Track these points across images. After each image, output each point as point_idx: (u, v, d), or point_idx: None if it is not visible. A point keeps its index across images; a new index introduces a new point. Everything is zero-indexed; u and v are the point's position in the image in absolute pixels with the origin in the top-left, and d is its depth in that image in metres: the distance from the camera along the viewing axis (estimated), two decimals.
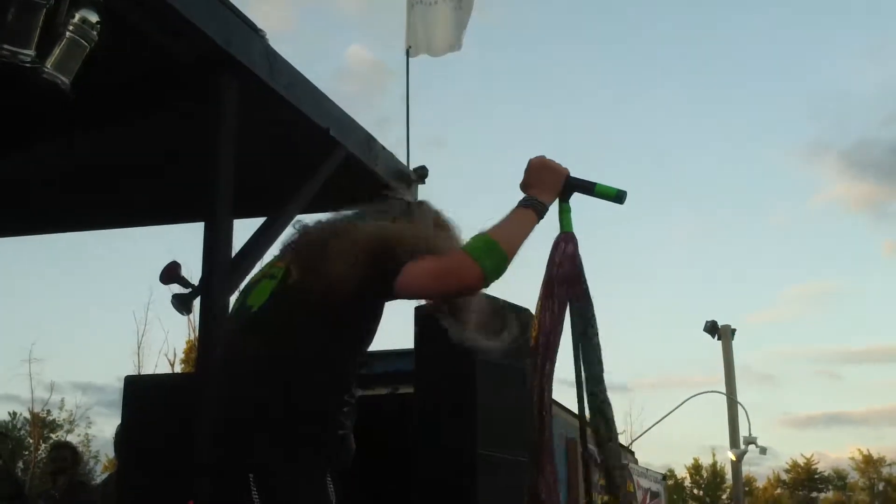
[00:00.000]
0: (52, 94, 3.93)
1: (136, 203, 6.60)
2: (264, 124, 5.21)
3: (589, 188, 2.64)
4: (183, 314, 4.97)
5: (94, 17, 3.99)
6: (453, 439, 5.31)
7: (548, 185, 2.62)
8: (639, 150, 61.04)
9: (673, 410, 20.32)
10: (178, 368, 28.61)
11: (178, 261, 4.90)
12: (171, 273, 4.91)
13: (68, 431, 35.64)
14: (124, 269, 43.73)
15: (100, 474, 31.77)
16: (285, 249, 2.81)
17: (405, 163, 6.55)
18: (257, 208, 5.63)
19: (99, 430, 37.64)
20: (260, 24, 4.94)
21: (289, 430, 2.49)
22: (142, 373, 25.66)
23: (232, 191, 4.75)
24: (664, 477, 14.56)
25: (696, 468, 51.85)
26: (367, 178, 6.11)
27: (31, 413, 35.28)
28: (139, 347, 30.13)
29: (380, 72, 52.18)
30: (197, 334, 4.95)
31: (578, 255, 2.59)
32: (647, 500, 12.17)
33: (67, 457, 7.93)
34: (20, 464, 34.31)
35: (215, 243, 4.65)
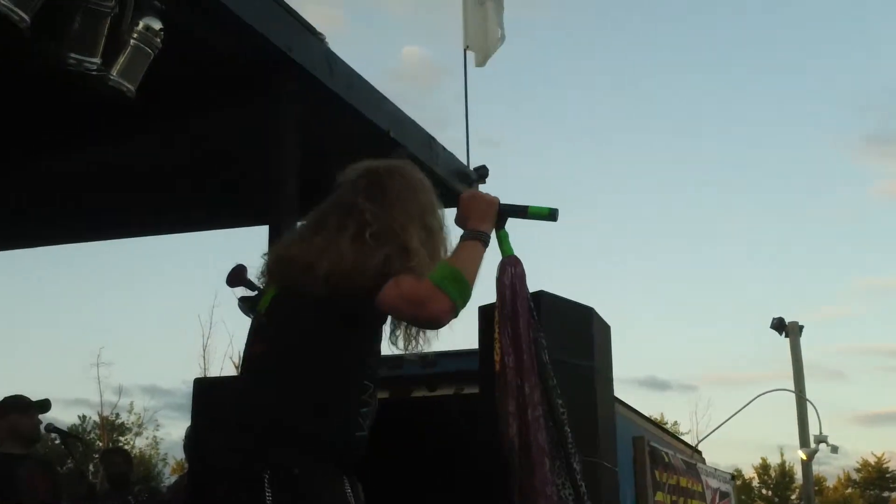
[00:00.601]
0: (117, 101, 4.00)
1: (201, 207, 6.67)
2: (325, 126, 5.24)
3: (522, 211, 2.76)
4: (250, 316, 5.00)
5: (157, 25, 4.05)
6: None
7: (483, 215, 2.72)
8: (694, 143, 60.34)
9: (740, 409, 20.03)
10: None
11: (244, 264, 4.94)
12: (237, 276, 4.93)
13: (137, 434, 36.21)
14: (189, 273, 44.27)
15: (168, 476, 32.23)
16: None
17: (465, 162, 6.54)
18: None
19: (167, 433, 38.14)
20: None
21: (301, 432, 2.51)
22: (207, 376, 25.94)
23: (296, 193, 4.78)
24: (732, 477, 14.37)
25: (763, 468, 51.14)
26: (428, 179, 6.11)
27: (101, 416, 35.86)
28: (205, 350, 30.48)
29: (432, 72, 52.19)
30: None
31: (524, 273, 2.70)
32: (717, 500, 12.02)
33: (120, 462, 8.00)
34: (90, 466, 34.93)
35: None
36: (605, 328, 5.97)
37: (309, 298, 2.56)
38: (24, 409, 5.55)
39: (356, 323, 2.60)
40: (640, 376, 56.24)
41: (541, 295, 5.39)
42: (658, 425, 15.78)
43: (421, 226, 2.70)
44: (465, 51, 7.68)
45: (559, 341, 5.40)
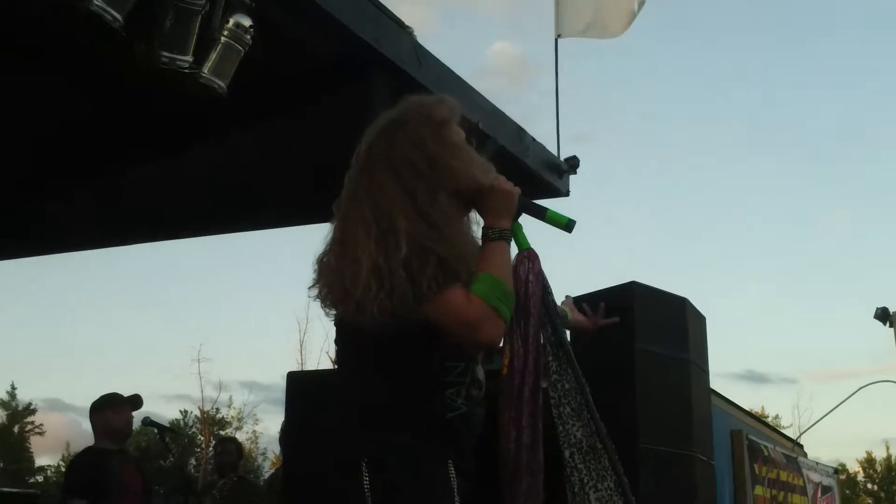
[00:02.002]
0: (208, 98, 4.05)
1: (292, 203, 6.72)
2: None
3: (540, 213, 2.63)
4: None
5: (247, 22, 4.10)
6: (613, 433, 5.21)
7: (502, 211, 2.58)
8: (799, 135, 59.06)
9: (843, 402, 19.50)
10: None
11: None
12: None
13: (237, 429, 36.90)
14: (286, 268, 44.87)
15: (268, 470, 32.75)
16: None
17: (555, 153, 6.49)
18: None
19: (266, 428, 38.83)
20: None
21: (387, 419, 2.48)
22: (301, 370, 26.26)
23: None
24: (836, 471, 14.02)
25: (868, 462, 49.90)
26: (518, 170, 6.08)
27: (202, 411, 36.65)
28: (301, 346, 30.95)
29: (525, 67, 51.94)
30: None
31: (542, 270, 2.56)
32: (819, 495, 11.74)
33: (232, 450, 8.17)
34: (192, 460, 35.69)
35: None
36: (700, 319, 5.87)
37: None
38: (116, 406, 5.70)
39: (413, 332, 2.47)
40: (737, 370, 55.33)
41: (633, 286, 5.33)
42: (757, 418, 15.47)
43: (421, 204, 2.47)
44: (556, 39, 7.60)
45: (652, 333, 5.33)
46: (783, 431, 22.16)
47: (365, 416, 2.52)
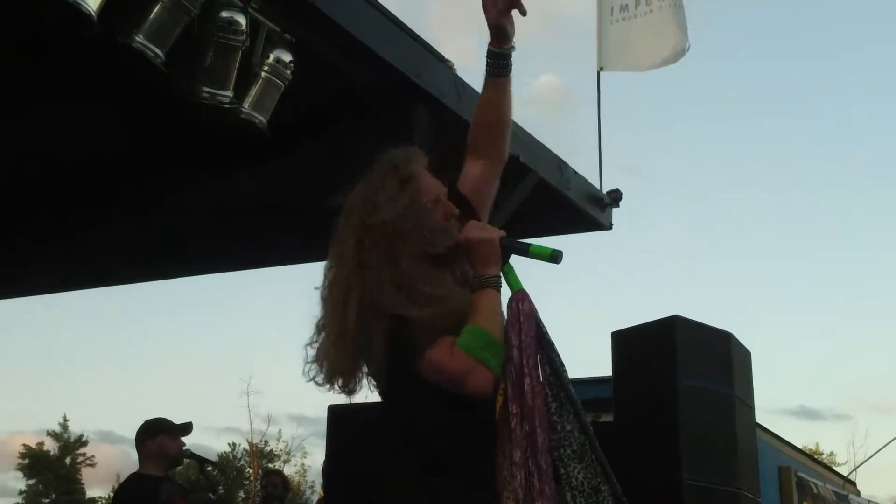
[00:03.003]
0: (249, 133, 4.10)
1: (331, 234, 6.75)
2: (455, 152, 5.24)
3: (524, 250, 2.54)
4: None
5: (287, 57, 4.15)
6: (657, 467, 5.16)
7: (487, 258, 2.53)
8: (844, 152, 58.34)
9: None
10: None
11: None
12: None
13: (285, 462, 36.89)
14: None
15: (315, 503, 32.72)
16: None
17: (598, 186, 6.46)
18: None
19: (314, 461, 38.74)
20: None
21: (443, 468, 2.48)
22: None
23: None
24: None
25: None
26: (560, 203, 6.07)
27: (250, 444, 36.75)
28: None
29: (570, 99, 51.95)
30: None
31: (535, 310, 2.48)
32: None
33: (278, 483, 8.17)
34: (241, 493, 35.77)
35: None
36: (745, 354, 5.80)
37: None
38: (171, 432, 5.69)
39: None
40: (790, 406, 54.47)
41: (675, 320, 5.28)
42: (807, 455, 15.21)
43: (396, 272, 2.49)
44: (598, 72, 7.60)
45: (695, 367, 5.28)
46: (837, 469, 21.76)
47: (421, 460, 2.52)
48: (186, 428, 5.84)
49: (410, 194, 2.58)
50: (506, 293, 2.55)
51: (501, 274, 2.55)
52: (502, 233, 2.57)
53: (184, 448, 5.74)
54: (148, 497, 5.42)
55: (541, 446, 2.33)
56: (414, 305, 2.40)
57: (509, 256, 2.55)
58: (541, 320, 2.47)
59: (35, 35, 4.31)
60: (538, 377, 2.38)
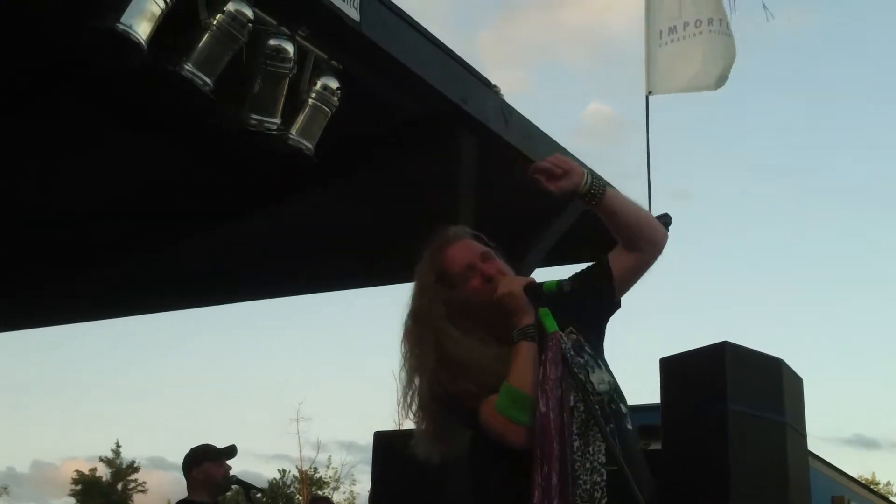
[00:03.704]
0: (296, 160, 4.12)
1: (380, 261, 6.78)
2: (502, 177, 5.25)
3: (538, 289, 2.65)
4: None
5: (334, 84, 4.18)
6: (706, 496, 5.08)
7: (516, 310, 2.65)
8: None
9: None
10: None
11: None
12: None
13: (335, 489, 36.90)
14: (383, 326, 45.13)
15: None
16: None
17: (647, 206, 6.42)
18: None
19: (363, 488, 38.74)
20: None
21: None
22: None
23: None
24: None
25: None
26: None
27: (300, 471, 36.83)
28: (398, 406, 30.92)
29: (620, 126, 51.77)
30: None
31: (561, 350, 2.56)
32: None
33: None
34: None
35: None
36: (797, 380, 5.71)
37: None
38: (215, 458, 5.71)
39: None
40: (845, 435, 53.51)
41: (724, 346, 5.23)
42: (863, 484, 14.93)
43: (442, 351, 2.70)
44: (647, 96, 7.58)
45: (745, 394, 5.21)
46: (894, 499, 21.30)
47: None
48: (231, 451, 5.86)
49: (439, 272, 2.79)
50: None
51: (537, 317, 2.63)
52: (526, 281, 2.69)
53: (230, 473, 5.77)
54: None
55: (554, 488, 2.41)
56: (466, 375, 2.63)
57: (541, 300, 2.63)
58: (569, 357, 2.57)
59: (82, 67, 4.40)
60: (560, 419, 2.47)
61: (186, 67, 3.57)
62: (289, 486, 38.71)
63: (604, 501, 2.49)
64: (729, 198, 55.92)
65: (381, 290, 7.54)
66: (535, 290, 2.65)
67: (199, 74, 3.61)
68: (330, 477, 37.72)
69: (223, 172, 5.56)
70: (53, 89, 4.69)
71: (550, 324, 2.61)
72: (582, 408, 2.54)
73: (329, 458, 37.73)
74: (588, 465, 2.51)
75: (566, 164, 2.74)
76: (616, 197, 2.77)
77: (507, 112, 5.09)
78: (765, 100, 56.60)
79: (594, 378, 2.70)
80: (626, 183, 6.26)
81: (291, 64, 3.93)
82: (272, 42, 3.86)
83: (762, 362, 5.42)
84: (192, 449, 5.79)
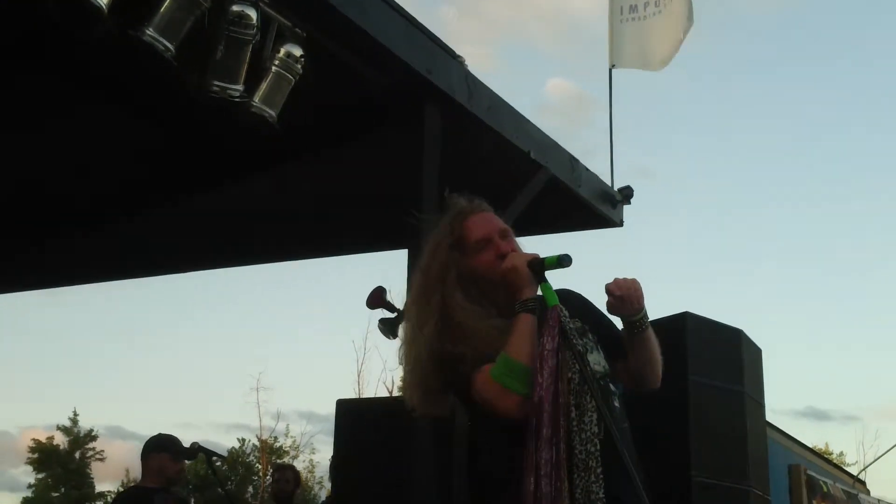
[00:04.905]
0: (259, 128, 4.09)
1: (343, 231, 6.76)
2: (466, 149, 5.24)
3: (541, 266, 2.73)
4: (389, 338, 5.05)
5: (297, 52, 4.14)
6: (667, 465, 5.14)
7: (517, 284, 2.73)
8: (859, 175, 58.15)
9: None
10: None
11: (384, 286, 4.99)
12: (376, 298, 5.01)
13: (294, 458, 36.91)
14: (342, 297, 45.07)
15: (324, 500, 32.79)
16: None
17: (610, 184, 6.45)
18: None
19: (323, 458, 38.77)
20: None
21: (494, 492, 2.74)
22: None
23: (435, 215, 4.79)
24: None
25: None
26: (571, 200, 6.06)
27: (260, 440, 36.81)
28: (359, 376, 30.93)
29: (582, 103, 51.67)
30: None
31: (559, 322, 2.64)
32: None
33: (290, 479, 8.12)
34: (249, 489, 35.84)
35: None
36: (756, 351, 5.78)
37: None
38: (175, 455, 5.75)
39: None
40: (798, 407, 54.29)
41: (685, 316, 5.27)
42: (817, 454, 15.18)
43: (446, 309, 2.80)
44: (609, 69, 7.59)
45: (706, 364, 5.26)
46: (848, 469, 21.72)
47: (479, 486, 2.85)
48: (192, 454, 5.89)
49: (457, 238, 2.90)
50: None
51: (541, 290, 2.72)
52: (530, 256, 2.75)
53: (184, 470, 5.78)
54: None
55: (546, 459, 2.47)
56: (466, 338, 2.70)
57: (543, 274, 2.71)
58: (568, 330, 2.64)
59: (40, 33, 4.33)
60: (555, 387, 2.52)
61: (148, 32, 3.53)
62: (248, 455, 38.68)
63: (598, 470, 2.53)
64: (693, 177, 56.09)
65: (344, 259, 7.55)
66: (539, 265, 2.71)
67: (161, 40, 3.57)
68: (289, 446, 37.77)
69: (196, 145, 5.52)
70: (21, 60, 4.63)
71: (551, 297, 2.68)
72: (577, 379, 2.59)
73: (287, 427, 37.79)
74: (583, 434, 2.56)
75: (639, 293, 2.80)
76: (651, 334, 2.87)
77: (472, 83, 5.07)
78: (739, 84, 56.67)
79: (590, 358, 2.79)
80: (589, 160, 6.30)
81: (255, 30, 3.89)
82: (235, 8, 3.82)
83: (722, 333, 5.47)
84: (154, 437, 5.81)
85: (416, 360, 2.79)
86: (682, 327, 5.27)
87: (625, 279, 2.79)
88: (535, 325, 2.66)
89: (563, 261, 2.70)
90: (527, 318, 2.67)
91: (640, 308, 2.78)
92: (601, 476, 2.52)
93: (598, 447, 2.55)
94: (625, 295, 2.76)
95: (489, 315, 2.77)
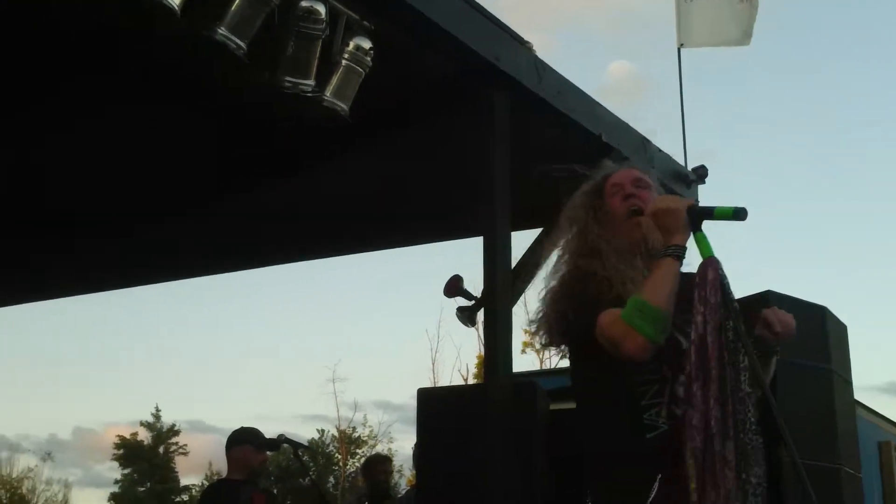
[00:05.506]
0: (331, 121, 4.11)
1: (416, 221, 6.77)
2: (536, 134, 5.21)
3: (709, 213, 2.66)
4: (467, 326, 5.07)
5: (367, 44, 4.15)
6: None
7: (670, 228, 2.70)
8: None
9: None
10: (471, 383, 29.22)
11: (460, 274, 4.99)
12: (453, 286, 5.01)
13: (372, 447, 37.24)
14: (416, 287, 45.29)
15: (403, 488, 33.00)
16: None
17: (683, 162, 6.37)
18: (534, 219, 5.63)
19: (400, 446, 39.10)
20: None
21: (598, 447, 2.80)
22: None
23: (508, 204, 4.78)
24: None
25: None
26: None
27: (339, 430, 37.19)
28: (433, 364, 31.08)
29: (643, 86, 50.99)
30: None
31: (721, 276, 2.57)
32: None
33: (390, 470, 8.02)
34: (330, 479, 36.24)
35: (495, 256, 4.68)
36: (841, 328, 5.66)
37: None
38: (258, 447, 5.82)
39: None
40: (878, 382, 53.17)
41: (768, 295, 5.18)
42: None
43: (590, 240, 2.94)
44: (678, 49, 7.48)
45: (791, 343, 5.14)
46: None
47: (584, 443, 2.88)
48: (275, 446, 5.96)
49: (598, 185, 3.06)
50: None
51: (694, 240, 2.67)
52: (690, 202, 2.73)
53: (267, 461, 5.86)
54: (229, 500, 5.57)
55: (713, 412, 2.43)
56: (604, 264, 2.81)
57: (700, 223, 2.63)
58: (729, 287, 2.55)
59: (114, 35, 4.40)
60: (719, 343, 2.47)
61: (220, 31, 3.56)
62: (328, 445, 39.10)
63: (754, 428, 2.51)
64: (756, 155, 55.04)
65: (416, 249, 7.55)
66: (700, 213, 2.65)
67: (233, 38, 3.60)
68: (367, 436, 38.09)
69: (258, 137, 5.57)
70: (87, 61, 4.70)
71: (706, 248, 2.59)
72: (731, 336, 2.52)
73: (365, 417, 38.08)
74: (739, 394, 2.50)
75: (794, 332, 2.95)
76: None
77: (541, 67, 5.04)
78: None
79: None
80: (654, 140, 6.20)
81: (324, 25, 3.91)
82: (304, 4, 3.84)
83: (806, 310, 5.36)
84: (237, 429, 5.90)
85: (560, 280, 2.91)
86: (765, 306, 5.16)
87: (787, 316, 2.88)
88: (677, 273, 2.63)
89: (739, 213, 2.59)
90: (671, 264, 2.65)
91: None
92: (758, 435, 2.48)
93: (751, 406, 2.51)
94: (783, 334, 2.85)
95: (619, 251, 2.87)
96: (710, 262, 2.54)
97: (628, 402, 2.75)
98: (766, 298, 5.20)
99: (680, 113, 6.91)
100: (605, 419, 2.80)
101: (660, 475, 2.59)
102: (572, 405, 5.69)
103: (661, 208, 2.72)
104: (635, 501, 2.60)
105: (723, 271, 2.57)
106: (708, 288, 2.51)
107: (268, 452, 6.03)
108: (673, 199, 2.80)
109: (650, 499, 2.58)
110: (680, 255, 2.66)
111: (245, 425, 6.02)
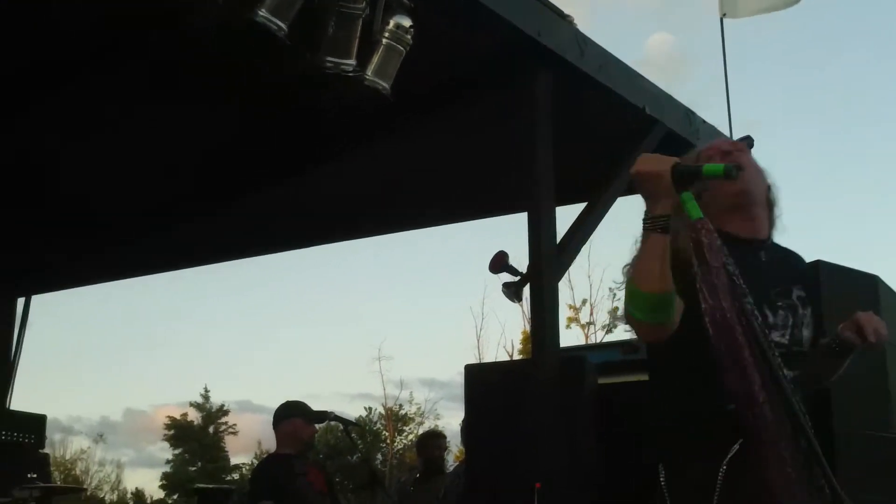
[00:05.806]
0: (374, 100, 4.11)
1: (460, 198, 6.76)
2: (579, 109, 5.18)
3: (697, 173, 2.31)
4: (513, 301, 5.05)
5: (407, 22, 4.13)
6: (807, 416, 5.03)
7: (650, 193, 2.35)
8: None
9: None
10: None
11: (505, 250, 4.98)
12: (499, 262, 5.00)
13: (419, 424, 37.40)
14: (459, 264, 45.28)
15: (451, 464, 33.09)
16: None
17: (728, 134, 6.30)
18: (578, 194, 5.60)
19: (447, 423, 39.24)
20: None
21: (673, 433, 2.64)
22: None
23: (553, 179, 4.76)
24: None
25: None
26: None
27: (385, 408, 37.37)
28: (478, 341, 31.07)
29: (683, 58, 50.29)
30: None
31: (715, 240, 2.24)
32: None
33: (445, 446, 7.98)
34: (378, 455, 36.46)
35: (539, 231, 4.67)
36: (894, 297, 5.58)
37: None
38: (307, 419, 5.84)
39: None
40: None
41: (819, 264, 5.11)
42: None
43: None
44: (721, 19, 7.40)
45: (842, 313, 5.07)
46: None
47: (655, 418, 2.74)
48: (322, 418, 5.97)
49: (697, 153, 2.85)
50: None
51: (681, 201, 2.29)
52: (673, 160, 2.35)
53: (315, 434, 5.87)
54: (285, 473, 5.59)
55: (757, 382, 2.21)
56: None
57: (687, 184, 2.30)
58: (725, 250, 2.22)
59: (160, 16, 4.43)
60: (733, 310, 2.20)
61: (261, 13, 3.57)
62: (375, 423, 39.32)
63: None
64: (798, 123, 54.26)
65: (458, 227, 7.54)
66: (686, 173, 2.31)
67: (274, 20, 3.60)
68: (414, 413, 38.24)
69: (302, 121, 5.60)
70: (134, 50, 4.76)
71: (694, 209, 2.25)
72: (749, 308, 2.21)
73: (411, 395, 38.22)
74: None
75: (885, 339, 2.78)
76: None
77: (582, 42, 5.00)
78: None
79: (798, 333, 2.77)
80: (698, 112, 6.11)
81: (364, 4, 3.89)
82: None
83: (858, 279, 5.30)
84: (284, 403, 5.91)
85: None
86: (815, 276, 5.11)
87: (881, 324, 2.71)
88: (664, 247, 2.34)
89: (729, 172, 2.27)
90: (656, 240, 2.35)
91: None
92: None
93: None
94: (874, 345, 2.70)
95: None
96: (701, 225, 2.22)
97: (708, 370, 2.44)
98: (816, 268, 5.14)
99: (725, 85, 6.86)
100: (684, 387, 2.64)
101: (741, 440, 2.43)
102: (620, 379, 5.74)
103: (642, 171, 2.35)
104: (712, 469, 2.48)
105: (715, 235, 2.24)
106: (708, 251, 2.20)
107: (316, 426, 6.04)
108: (655, 159, 2.38)
109: (727, 459, 2.47)
110: (665, 226, 2.35)
111: (290, 399, 6.01)
